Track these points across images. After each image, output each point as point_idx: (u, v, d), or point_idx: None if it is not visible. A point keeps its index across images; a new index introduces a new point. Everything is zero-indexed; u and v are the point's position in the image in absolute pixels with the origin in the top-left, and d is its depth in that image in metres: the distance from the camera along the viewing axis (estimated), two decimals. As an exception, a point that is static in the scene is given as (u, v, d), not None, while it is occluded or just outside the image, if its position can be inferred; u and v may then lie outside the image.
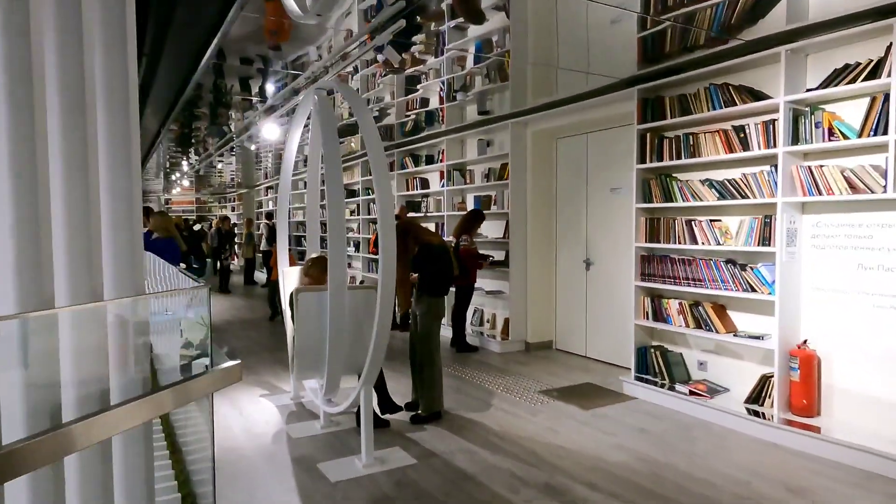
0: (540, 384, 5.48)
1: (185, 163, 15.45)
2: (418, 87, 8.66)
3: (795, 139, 4.02)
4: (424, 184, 8.78)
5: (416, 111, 8.79)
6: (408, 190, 9.11)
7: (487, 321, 7.61)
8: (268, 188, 17.28)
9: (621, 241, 5.96)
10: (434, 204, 8.49)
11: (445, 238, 7.88)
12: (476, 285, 7.01)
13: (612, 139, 6.18)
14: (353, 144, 11.10)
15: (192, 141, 12.92)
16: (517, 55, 6.69)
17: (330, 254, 3.48)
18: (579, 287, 6.59)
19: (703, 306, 4.68)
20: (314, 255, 4.45)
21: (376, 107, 9.88)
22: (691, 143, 4.73)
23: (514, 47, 6.66)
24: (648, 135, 5.07)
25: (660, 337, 5.27)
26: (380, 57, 8.01)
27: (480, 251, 6.98)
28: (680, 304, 4.85)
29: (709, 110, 4.57)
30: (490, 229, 7.22)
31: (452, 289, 7.14)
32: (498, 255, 7.23)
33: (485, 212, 7.08)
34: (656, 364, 5.06)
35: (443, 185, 8.11)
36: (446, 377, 5.65)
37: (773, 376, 4.19)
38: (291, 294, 3.90)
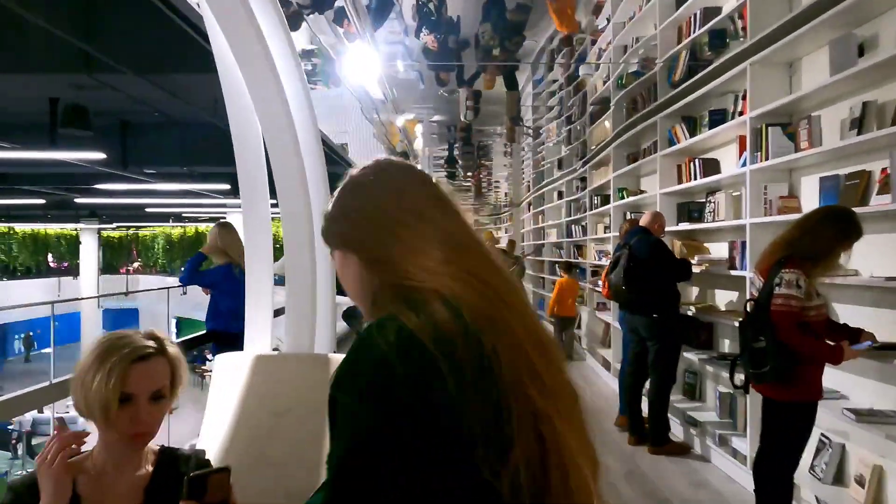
0: None
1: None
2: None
3: None
4: (709, 167, 4.60)
5: (692, 36, 4.70)
6: (679, 182, 5.01)
7: (856, 479, 3.12)
8: (528, 204, 14.34)
9: None
10: (727, 204, 4.28)
11: (745, 273, 3.72)
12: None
13: None
14: (606, 124, 7.31)
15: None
16: None
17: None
18: None
19: None
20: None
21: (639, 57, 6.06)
22: None
23: None
24: None
25: None
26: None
27: (842, 321, 2.68)
28: None
29: None
30: (866, 254, 2.82)
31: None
32: (882, 327, 2.79)
33: (855, 209, 2.76)
34: None
35: (743, 164, 3.89)
36: None
37: None
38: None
